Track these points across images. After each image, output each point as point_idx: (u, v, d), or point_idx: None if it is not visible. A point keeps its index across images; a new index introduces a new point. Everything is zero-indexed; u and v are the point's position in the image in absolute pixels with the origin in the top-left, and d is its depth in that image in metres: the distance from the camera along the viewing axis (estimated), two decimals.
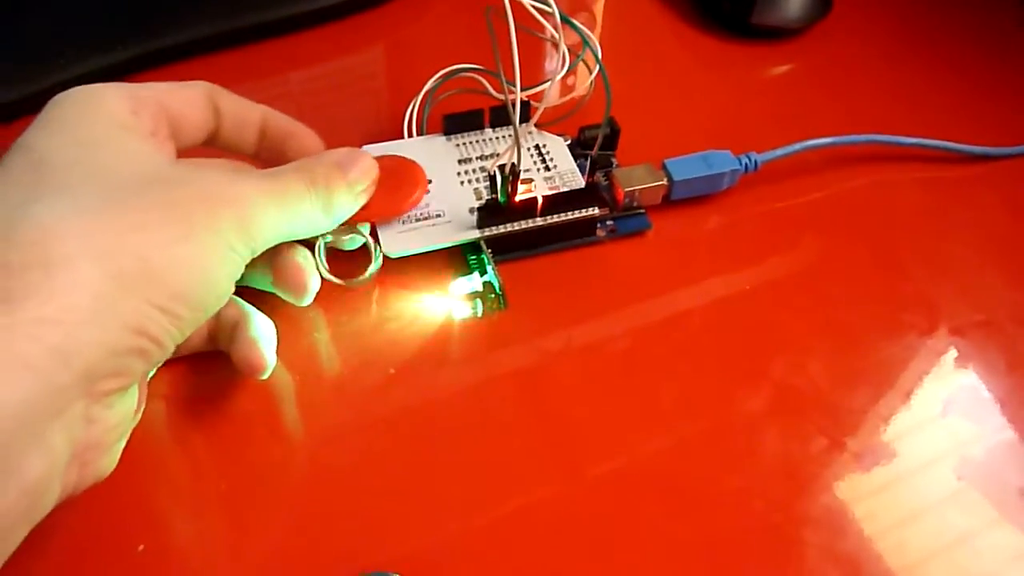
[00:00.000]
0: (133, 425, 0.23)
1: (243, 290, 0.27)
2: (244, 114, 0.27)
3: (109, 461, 0.22)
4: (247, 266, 0.23)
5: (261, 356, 0.25)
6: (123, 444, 0.23)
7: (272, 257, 0.26)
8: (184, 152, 0.26)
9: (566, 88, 0.32)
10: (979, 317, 0.30)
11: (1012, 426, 0.27)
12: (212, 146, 0.27)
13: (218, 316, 0.26)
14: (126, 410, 0.22)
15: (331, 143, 0.34)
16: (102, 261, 0.20)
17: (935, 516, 0.25)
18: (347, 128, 0.35)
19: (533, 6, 0.27)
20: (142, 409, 0.24)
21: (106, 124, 0.23)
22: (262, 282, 0.27)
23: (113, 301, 0.20)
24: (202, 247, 0.22)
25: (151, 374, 0.25)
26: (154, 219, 0.21)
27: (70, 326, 0.19)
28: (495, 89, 0.34)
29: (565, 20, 0.26)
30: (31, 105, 0.34)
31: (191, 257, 0.21)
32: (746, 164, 0.32)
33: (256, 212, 0.23)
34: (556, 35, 0.27)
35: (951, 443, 0.27)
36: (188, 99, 0.26)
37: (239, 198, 0.23)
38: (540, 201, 0.29)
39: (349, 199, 0.26)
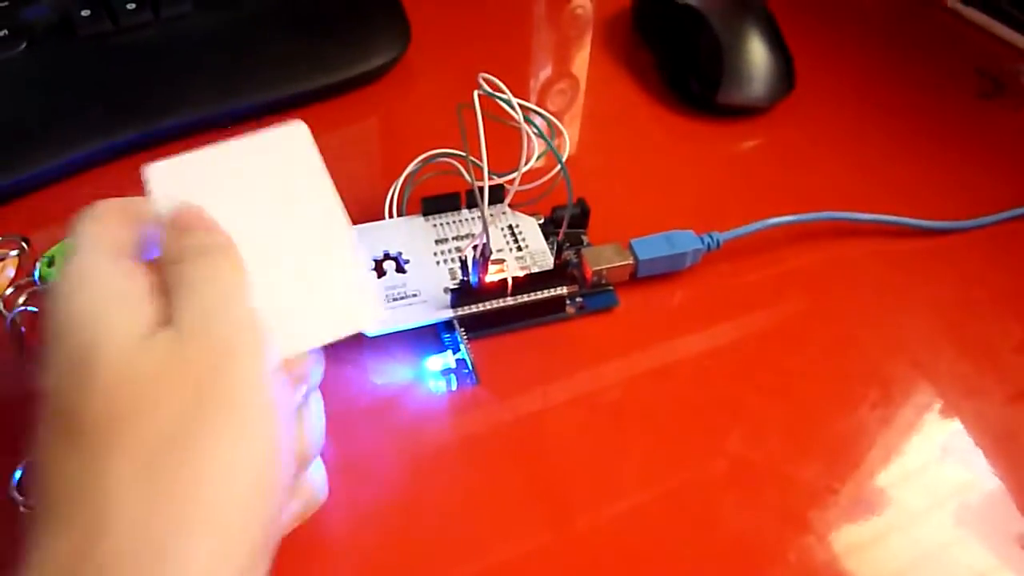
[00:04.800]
0: None
1: None
2: None
3: None
4: None
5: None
6: None
7: None
8: None
9: (539, 171, 0.34)
10: (930, 390, 0.32)
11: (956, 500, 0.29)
12: None
13: None
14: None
15: None
16: None
17: None
18: None
19: (501, 102, 0.29)
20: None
21: None
22: None
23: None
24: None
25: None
26: None
27: None
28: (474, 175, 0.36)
29: (528, 120, 0.28)
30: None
31: None
32: (708, 243, 0.34)
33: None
34: (524, 129, 0.29)
35: (900, 519, 0.28)
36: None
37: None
38: (510, 282, 0.31)
39: None
